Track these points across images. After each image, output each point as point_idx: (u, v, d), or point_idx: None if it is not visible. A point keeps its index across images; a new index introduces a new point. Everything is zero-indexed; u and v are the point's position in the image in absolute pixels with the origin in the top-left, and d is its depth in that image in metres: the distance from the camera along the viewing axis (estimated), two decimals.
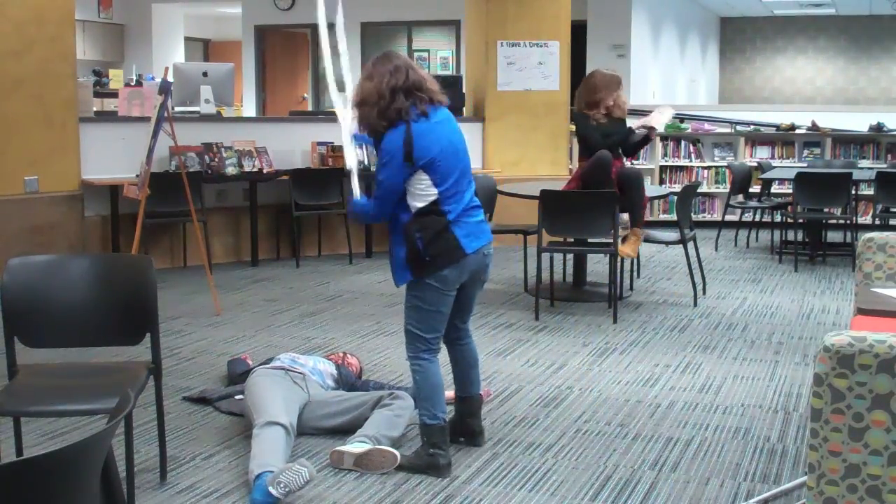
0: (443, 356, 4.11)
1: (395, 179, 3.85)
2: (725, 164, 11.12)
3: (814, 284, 7.97)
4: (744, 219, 10.30)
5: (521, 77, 9.84)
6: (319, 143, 8.88)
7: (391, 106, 3.83)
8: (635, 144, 6.99)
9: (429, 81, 3.92)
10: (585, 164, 6.78)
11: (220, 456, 4.12)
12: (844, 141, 11.21)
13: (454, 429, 4.24)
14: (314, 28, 15.37)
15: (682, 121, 11.93)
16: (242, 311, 6.85)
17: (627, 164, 7.41)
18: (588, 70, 14.04)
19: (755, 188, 10.27)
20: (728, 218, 10.42)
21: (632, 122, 7.03)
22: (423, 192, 3.85)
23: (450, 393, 4.74)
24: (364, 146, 4.03)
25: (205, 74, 8.61)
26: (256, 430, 3.91)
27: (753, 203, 9.92)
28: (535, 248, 6.98)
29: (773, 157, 11.30)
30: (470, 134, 8.87)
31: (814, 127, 11.28)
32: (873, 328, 2.94)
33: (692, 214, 8.77)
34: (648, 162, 11.40)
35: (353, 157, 4.19)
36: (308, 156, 8.96)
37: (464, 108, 9.94)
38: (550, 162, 9.95)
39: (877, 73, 19.46)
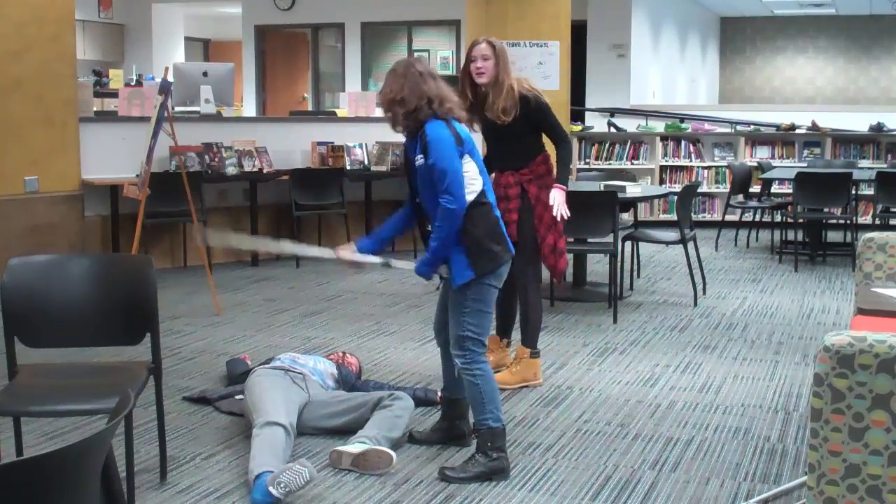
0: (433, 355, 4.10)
1: (455, 164, 3.78)
2: (725, 164, 11.12)
3: (814, 284, 7.97)
4: (744, 219, 10.30)
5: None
6: (319, 143, 8.88)
7: (422, 109, 3.81)
8: None
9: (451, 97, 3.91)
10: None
11: (220, 456, 4.12)
12: (844, 141, 11.21)
13: (442, 434, 4.22)
14: (314, 28, 15.40)
15: (682, 121, 11.94)
16: (242, 311, 6.85)
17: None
18: (588, 70, 14.12)
19: (755, 188, 10.27)
20: (728, 218, 10.42)
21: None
22: (470, 182, 3.82)
23: None
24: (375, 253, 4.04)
25: (205, 74, 8.60)
26: (256, 430, 3.91)
27: (753, 203, 9.92)
28: None
29: (773, 157, 11.30)
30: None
31: (814, 127, 11.28)
32: (873, 328, 2.93)
33: (692, 214, 8.77)
34: (649, 162, 11.40)
35: (374, 258, 4.09)
36: (308, 156, 8.95)
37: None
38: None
39: (877, 73, 19.45)
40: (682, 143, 11.44)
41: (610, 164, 11.27)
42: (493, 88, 4.91)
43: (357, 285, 7.79)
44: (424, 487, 3.80)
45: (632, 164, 11.32)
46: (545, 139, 5.12)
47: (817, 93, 19.72)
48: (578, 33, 11.84)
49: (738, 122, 11.99)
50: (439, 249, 3.82)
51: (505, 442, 3.94)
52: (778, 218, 9.69)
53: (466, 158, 3.83)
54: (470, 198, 3.81)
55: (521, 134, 5.01)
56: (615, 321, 6.53)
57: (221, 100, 8.66)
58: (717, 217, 11.01)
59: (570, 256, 7.76)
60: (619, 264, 6.95)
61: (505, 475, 3.88)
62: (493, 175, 4.97)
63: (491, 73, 4.90)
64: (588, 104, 13.69)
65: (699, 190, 10.85)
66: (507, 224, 4.66)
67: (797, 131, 11.36)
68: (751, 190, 10.16)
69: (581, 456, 4.15)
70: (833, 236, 9.98)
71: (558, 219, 4.99)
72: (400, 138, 4.05)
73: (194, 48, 18.13)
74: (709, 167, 11.44)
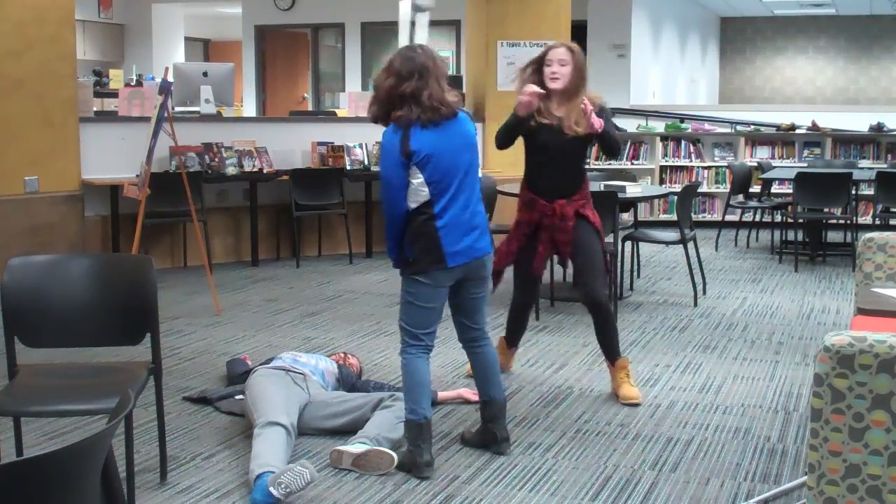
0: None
1: (391, 172, 3.88)
2: (725, 164, 11.12)
3: (814, 284, 7.97)
4: (744, 219, 10.30)
5: None
6: (319, 143, 8.88)
7: (389, 110, 3.88)
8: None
9: (433, 92, 3.84)
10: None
11: (220, 456, 4.12)
12: (844, 141, 11.21)
13: (481, 437, 4.19)
14: (314, 28, 15.40)
15: (682, 121, 11.94)
16: (242, 311, 6.85)
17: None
18: (588, 70, 14.10)
19: (755, 188, 10.27)
20: (728, 218, 10.42)
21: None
22: (416, 192, 3.86)
23: (466, 392, 4.76)
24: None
25: (205, 74, 8.60)
26: (257, 430, 3.91)
27: (753, 203, 9.92)
28: None
29: (773, 157, 11.30)
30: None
31: (814, 127, 11.28)
32: (873, 328, 2.93)
33: (692, 214, 8.77)
34: (649, 162, 11.40)
35: None
36: (308, 156, 8.95)
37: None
38: None
39: (877, 73, 19.45)
40: (682, 143, 11.44)
41: (610, 164, 11.26)
42: (567, 98, 4.74)
43: (357, 285, 7.79)
44: (424, 487, 3.80)
45: (632, 164, 11.32)
46: None
47: (817, 93, 19.72)
48: (578, 33, 11.82)
49: (738, 123, 11.98)
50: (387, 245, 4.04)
51: (423, 437, 3.88)
52: (778, 218, 9.69)
53: (415, 170, 3.84)
54: (412, 206, 3.88)
55: (585, 150, 4.92)
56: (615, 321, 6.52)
57: (221, 100, 8.66)
58: (717, 217, 11.01)
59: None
60: (619, 264, 6.95)
61: (418, 471, 3.85)
62: (540, 203, 4.87)
63: (566, 80, 4.73)
64: None
65: (699, 190, 10.85)
66: (564, 247, 4.84)
67: (797, 131, 11.36)
68: (751, 190, 10.16)
69: (581, 456, 4.15)
70: (833, 236, 9.98)
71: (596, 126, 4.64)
72: None
73: (194, 48, 18.13)
74: (709, 167, 11.44)
